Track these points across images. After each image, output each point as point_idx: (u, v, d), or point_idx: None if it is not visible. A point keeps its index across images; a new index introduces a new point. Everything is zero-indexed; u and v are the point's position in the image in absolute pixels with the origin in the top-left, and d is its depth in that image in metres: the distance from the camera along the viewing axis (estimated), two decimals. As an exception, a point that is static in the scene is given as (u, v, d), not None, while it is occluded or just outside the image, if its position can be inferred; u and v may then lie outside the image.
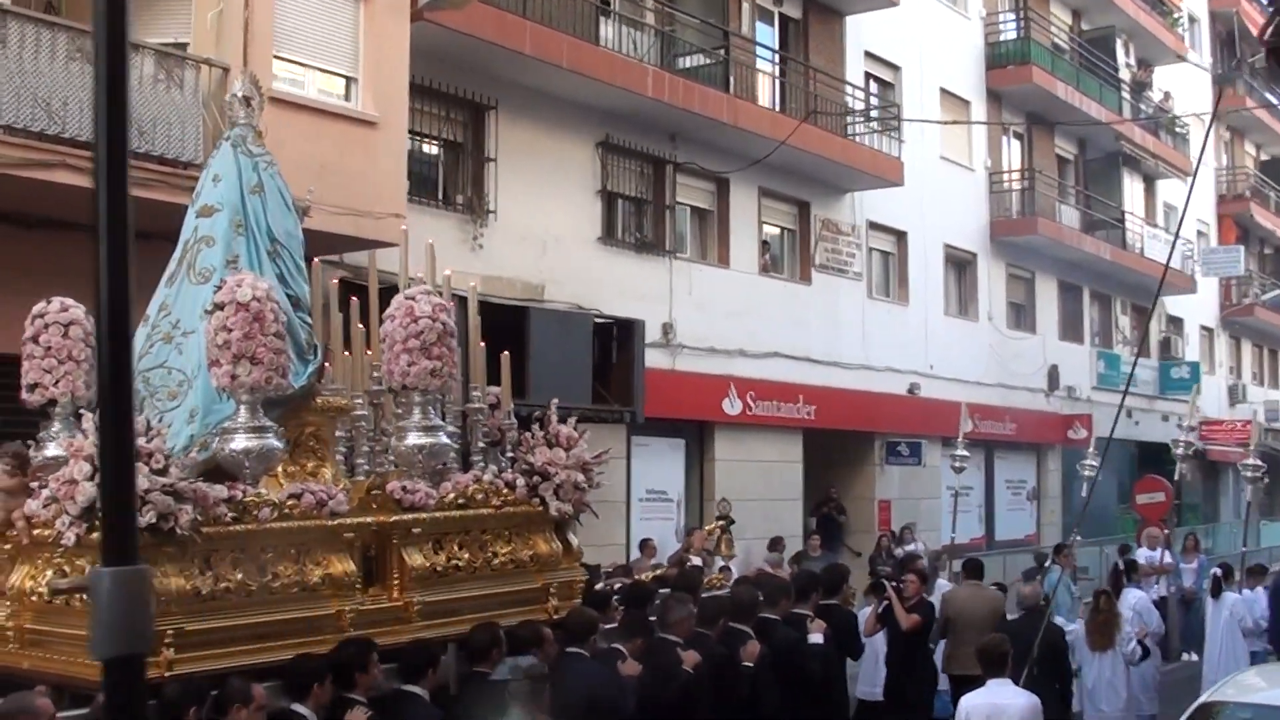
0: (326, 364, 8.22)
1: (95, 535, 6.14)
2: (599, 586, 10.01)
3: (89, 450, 6.20)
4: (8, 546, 6.92)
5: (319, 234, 8.29)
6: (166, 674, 6.31)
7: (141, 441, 6.21)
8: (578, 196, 19.21)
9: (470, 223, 17.24)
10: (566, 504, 8.43)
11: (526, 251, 17.93)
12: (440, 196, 17.45)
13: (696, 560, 13.17)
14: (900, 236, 26.75)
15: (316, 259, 8.79)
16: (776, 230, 24.01)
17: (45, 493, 6.45)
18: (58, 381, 7.51)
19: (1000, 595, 12.93)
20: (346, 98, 14.37)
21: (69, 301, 7.66)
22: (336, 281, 8.83)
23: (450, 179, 17.77)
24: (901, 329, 26.06)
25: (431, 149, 17.52)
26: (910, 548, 20.67)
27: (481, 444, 8.56)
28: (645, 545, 17.41)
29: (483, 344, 8.77)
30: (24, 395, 7.59)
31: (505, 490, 8.20)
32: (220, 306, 6.83)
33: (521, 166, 18.01)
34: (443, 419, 8.12)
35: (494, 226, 17.55)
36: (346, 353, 8.60)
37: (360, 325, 8.62)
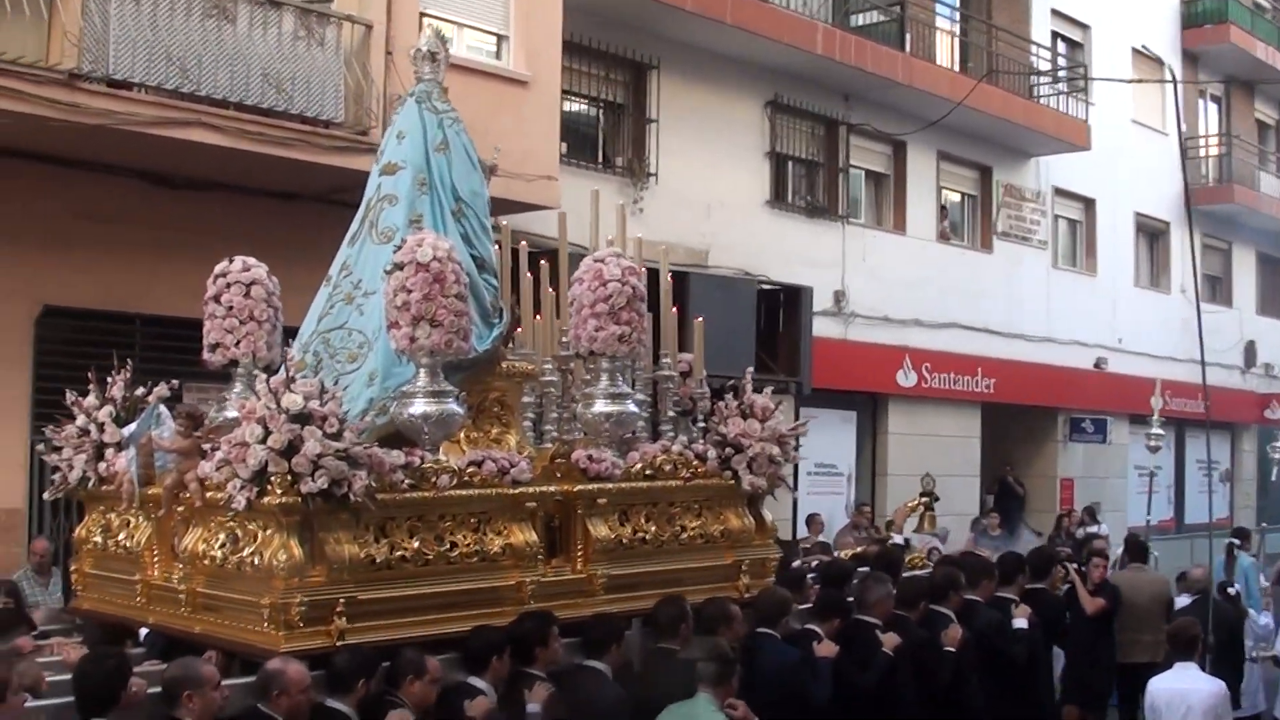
0: (519, 328, 8.03)
1: (266, 499, 5.98)
2: (794, 564, 9.59)
3: (261, 412, 5.98)
4: (181, 509, 6.75)
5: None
6: (337, 644, 6.11)
7: (315, 405, 6.01)
8: (745, 159, 18.67)
9: (630, 186, 16.80)
10: (760, 478, 8.05)
11: (690, 215, 17.43)
12: (599, 159, 17.06)
13: (898, 538, 12.67)
14: (1088, 204, 25.71)
15: (505, 220, 8.55)
16: (956, 196, 23.21)
17: (218, 455, 6.23)
18: (239, 342, 7.36)
19: (1165, 579, 12.21)
20: (497, 56, 14.03)
21: (251, 261, 7.51)
22: (525, 244, 8.61)
23: (610, 141, 17.37)
24: (1088, 300, 25.02)
25: (590, 110, 17.15)
26: (1093, 529, 19.73)
27: (671, 413, 8.28)
28: (812, 520, 16.96)
29: (675, 309, 8.45)
30: (205, 355, 7.45)
31: (695, 462, 7.87)
32: (400, 266, 6.63)
33: (684, 128, 17.53)
34: (631, 386, 7.86)
35: (655, 190, 17.11)
36: (538, 317, 8.36)
37: (551, 290, 8.36)
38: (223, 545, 6.38)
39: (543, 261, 8.51)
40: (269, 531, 6.13)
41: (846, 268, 20.03)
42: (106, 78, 10.68)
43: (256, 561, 6.14)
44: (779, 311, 18.24)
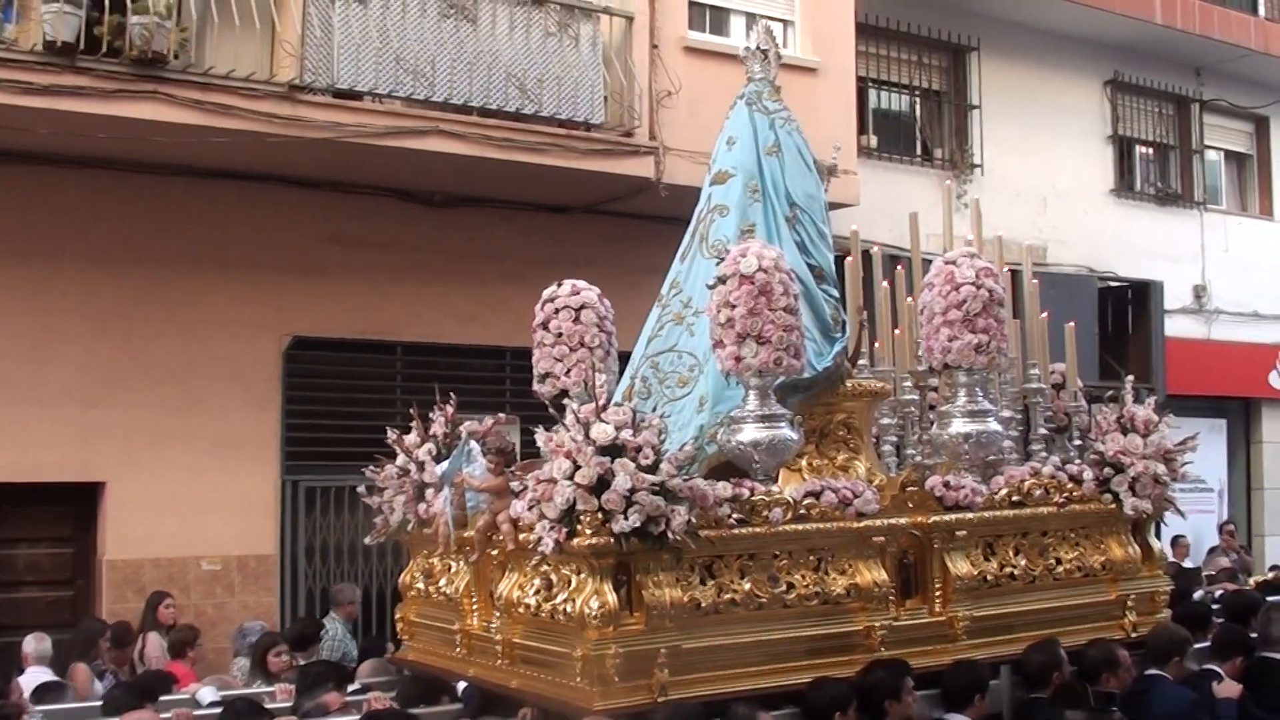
0: (877, 344, 7.60)
1: (576, 540, 5.48)
2: (1198, 595, 8.67)
3: (568, 445, 5.48)
4: (496, 552, 6.35)
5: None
6: (659, 699, 5.57)
7: (627, 435, 5.49)
8: (1083, 144, 17.33)
9: (952, 179, 15.52)
10: (1144, 500, 7.24)
11: (1022, 209, 16.13)
12: (918, 151, 16.10)
13: None
14: None
15: (854, 226, 7.97)
16: (1329, 173, 21.15)
17: (530, 493, 5.78)
18: (569, 370, 6.93)
19: None
20: (782, 44, 13.13)
21: (581, 284, 7.13)
22: (877, 250, 8.04)
23: (928, 131, 16.33)
24: None
25: (903, 99, 16.14)
26: None
27: (1043, 430, 7.60)
28: (1177, 543, 15.46)
29: (1045, 315, 7.79)
30: (535, 386, 7.08)
31: (1070, 485, 7.12)
32: (723, 280, 6.18)
33: (1012, 113, 16.35)
34: (994, 403, 7.18)
35: (980, 182, 15.92)
36: (899, 330, 7.83)
37: (911, 300, 7.77)
38: (538, 592, 5.94)
39: (899, 268, 8.02)
40: (581, 576, 5.65)
41: (1206, 260, 18.43)
42: (331, 88, 10.24)
43: (569, 609, 5.66)
44: (1126, 310, 17.09)
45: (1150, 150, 18.47)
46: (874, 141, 15.07)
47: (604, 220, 12.21)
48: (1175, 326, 17.49)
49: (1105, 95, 17.63)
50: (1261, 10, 18.96)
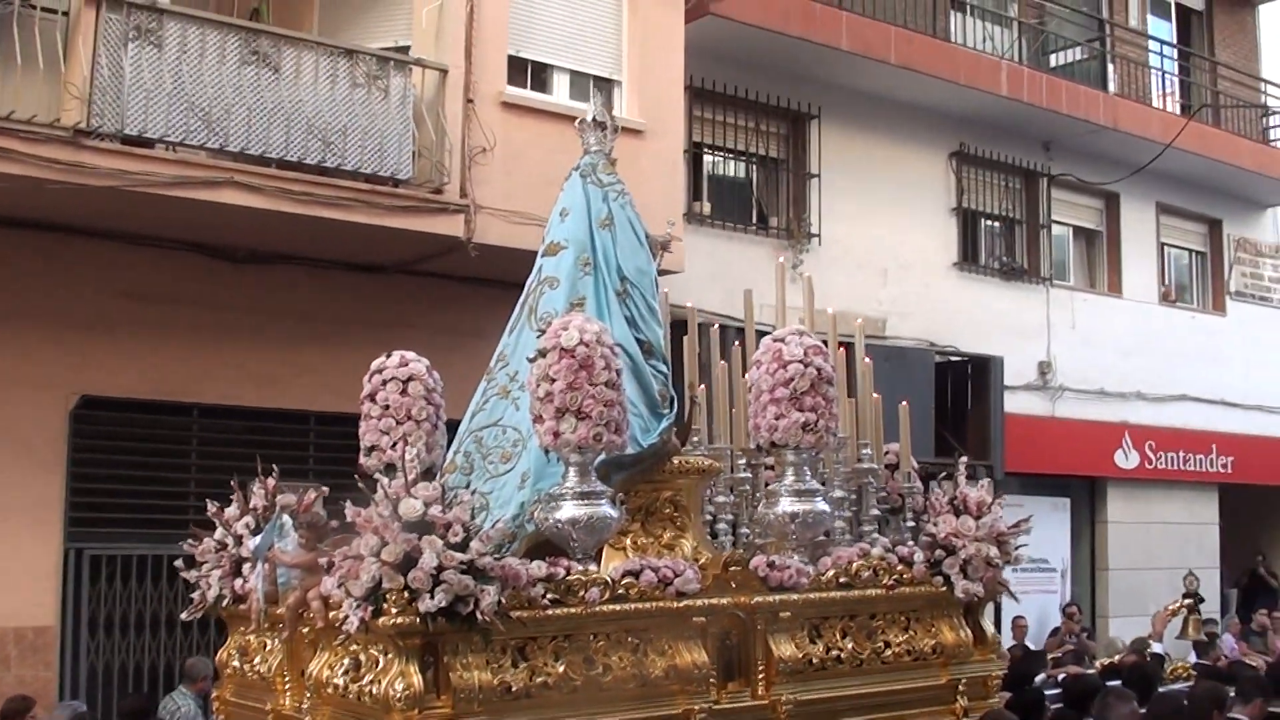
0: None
1: (382, 620, 5.23)
2: (1040, 678, 8.59)
3: (376, 521, 5.26)
4: (307, 630, 6.07)
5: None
6: None
7: (435, 511, 5.27)
8: (927, 216, 17.50)
9: (789, 249, 15.63)
10: (976, 583, 7.13)
11: (862, 280, 16.28)
12: (754, 219, 16.06)
13: (1157, 647, 11.50)
14: (1334, 259, 23.68)
15: (690, 302, 7.96)
16: (1181, 252, 21.66)
17: (338, 570, 5.52)
18: (395, 444, 6.59)
19: None
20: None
21: (409, 355, 6.84)
22: (717, 326, 7.99)
23: (765, 200, 16.33)
24: (1338, 366, 22.94)
25: (740, 165, 16.14)
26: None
27: (875, 511, 7.48)
28: (1016, 623, 15.78)
29: (878, 396, 7.71)
30: (361, 460, 6.76)
31: (900, 567, 6.98)
32: (543, 353, 5.98)
33: (853, 183, 16.44)
34: (825, 482, 7.08)
35: (818, 252, 15.98)
36: (734, 409, 7.68)
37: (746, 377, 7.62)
38: (346, 672, 5.67)
39: (736, 344, 7.87)
40: (388, 656, 5.41)
41: (1052, 336, 18.72)
42: (119, 134, 9.83)
43: (375, 690, 5.41)
44: (965, 385, 17.03)
45: (996, 224, 18.66)
46: (708, 208, 15.00)
47: (416, 280, 11.95)
48: (1019, 403, 17.58)
49: (950, 167, 17.77)
50: (1112, 86, 19.41)
